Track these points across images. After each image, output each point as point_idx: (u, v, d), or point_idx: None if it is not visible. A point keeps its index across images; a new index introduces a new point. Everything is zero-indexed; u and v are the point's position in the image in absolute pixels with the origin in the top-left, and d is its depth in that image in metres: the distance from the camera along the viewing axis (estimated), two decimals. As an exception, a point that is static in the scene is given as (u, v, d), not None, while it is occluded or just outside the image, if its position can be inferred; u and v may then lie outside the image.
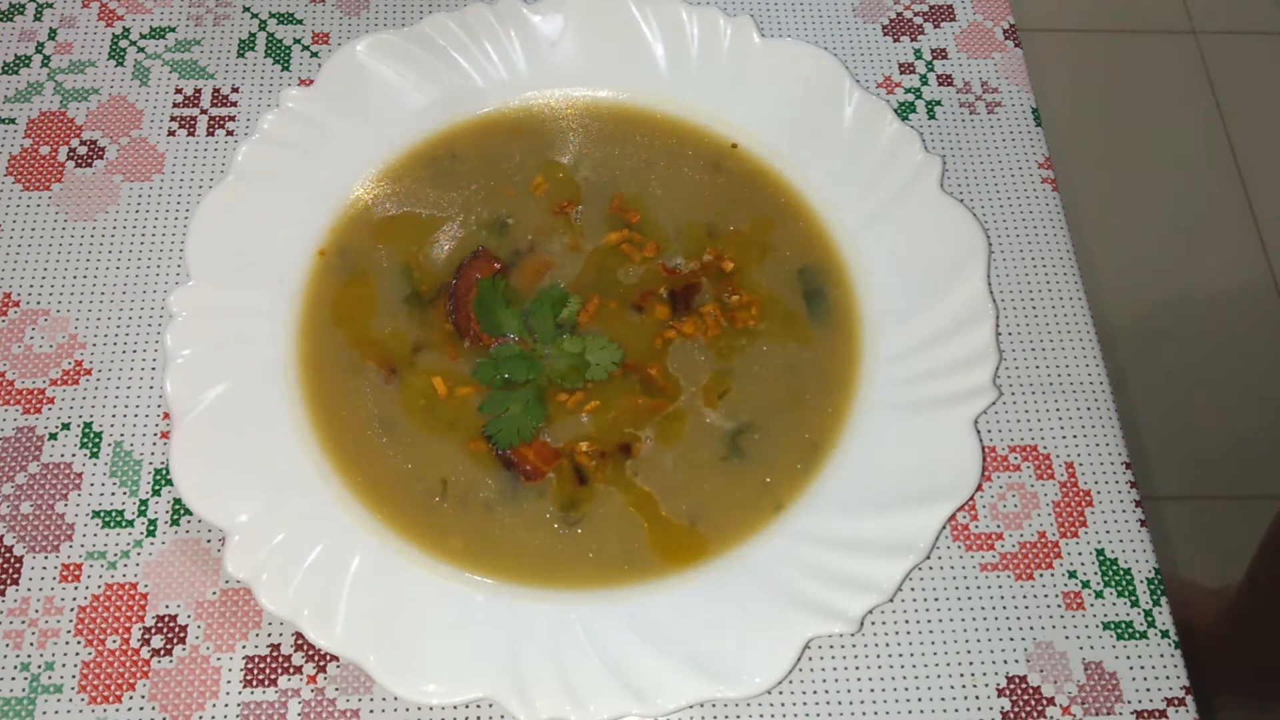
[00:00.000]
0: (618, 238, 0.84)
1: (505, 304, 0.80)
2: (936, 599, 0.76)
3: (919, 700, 0.73)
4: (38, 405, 0.80)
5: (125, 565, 0.75)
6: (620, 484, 0.76)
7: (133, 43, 0.93)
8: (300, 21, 0.95)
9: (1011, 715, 0.73)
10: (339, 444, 0.76)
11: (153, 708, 0.71)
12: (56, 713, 0.71)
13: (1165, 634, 0.75)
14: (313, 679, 0.72)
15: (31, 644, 0.72)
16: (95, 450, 0.78)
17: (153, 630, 0.73)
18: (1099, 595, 0.76)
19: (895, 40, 0.96)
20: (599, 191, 0.86)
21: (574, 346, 0.79)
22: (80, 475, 0.78)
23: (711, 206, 0.85)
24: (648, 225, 0.85)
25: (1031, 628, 0.75)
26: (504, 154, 0.87)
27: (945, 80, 0.95)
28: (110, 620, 0.73)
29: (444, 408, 0.78)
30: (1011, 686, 0.73)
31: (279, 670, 0.72)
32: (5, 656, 0.72)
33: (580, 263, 0.83)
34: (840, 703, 0.72)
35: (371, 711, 0.71)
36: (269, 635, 0.73)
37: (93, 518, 0.76)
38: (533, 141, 0.88)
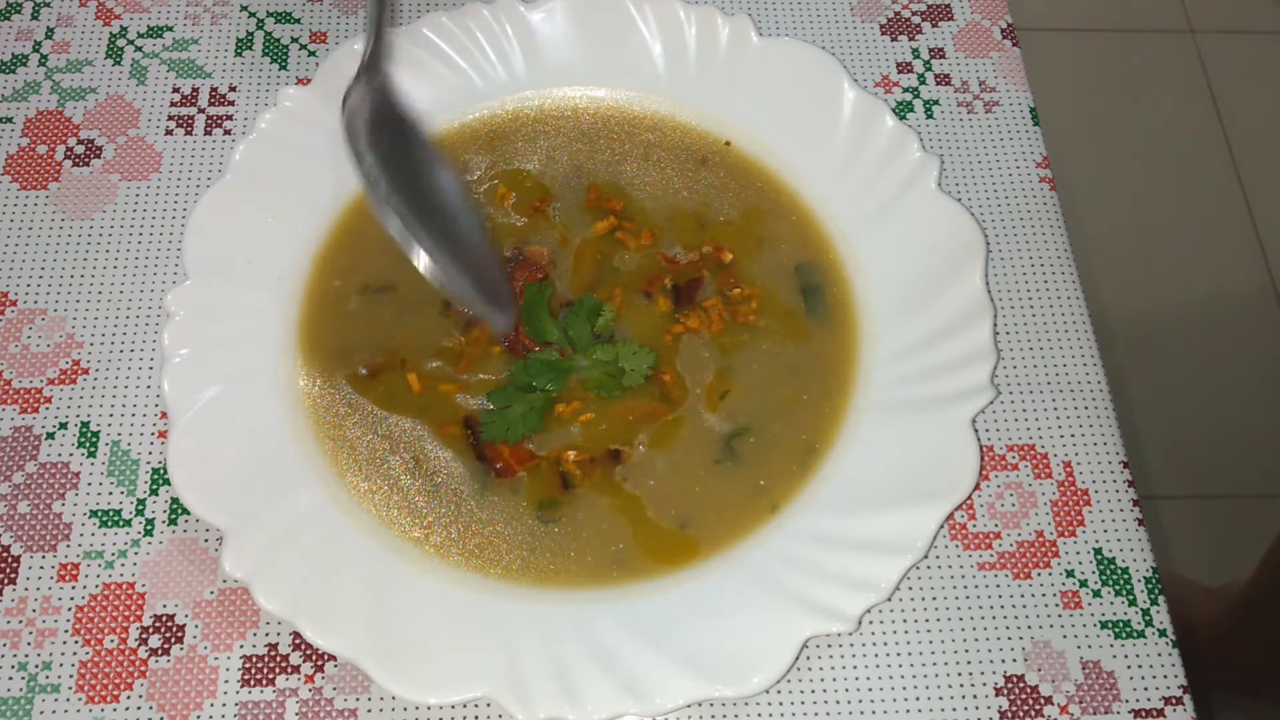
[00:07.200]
0: (606, 226, 0.84)
1: (548, 312, 0.80)
2: (934, 598, 0.76)
3: (917, 699, 0.73)
4: (35, 404, 0.79)
5: (123, 565, 0.75)
6: (607, 489, 0.76)
7: (130, 42, 0.93)
8: (298, 20, 0.95)
9: (1009, 714, 0.73)
10: (336, 443, 0.76)
11: (150, 707, 0.71)
12: (54, 712, 0.71)
13: (1163, 633, 0.75)
14: (310, 678, 0.72)
15: (29, 643, 0.72)
16: (93, 450, 0.78)
17: (150, 630, 0.73)
18: (1097, 594, 0.76)
19: (893, 39, 0.96)
20: (607, 186, 0.86)
21: (606, 355, 0.79)
22: (78, 475, 0.77)
23: (699, 199, 0.86)
24: (636, 214, 0.85)
25: (1029, 627, 0.75)
26: (511, 151, 0.87)
27: (943, 79, 0.95)
28: (108, 620, 0.73)
29: (417, 399, 0.78)
30: (1009, 685, 0.74)
31: (277, 670, 0.72)
32: (3, 656, 0.72)
33: (570, 257, 0.83)
34: (838, 702, 0.72)
35: (369, 711, 0.71)
36: (267, 635, 0.73)
37: (90, 517, 0.76)
38: (531, 141, 0.87)
